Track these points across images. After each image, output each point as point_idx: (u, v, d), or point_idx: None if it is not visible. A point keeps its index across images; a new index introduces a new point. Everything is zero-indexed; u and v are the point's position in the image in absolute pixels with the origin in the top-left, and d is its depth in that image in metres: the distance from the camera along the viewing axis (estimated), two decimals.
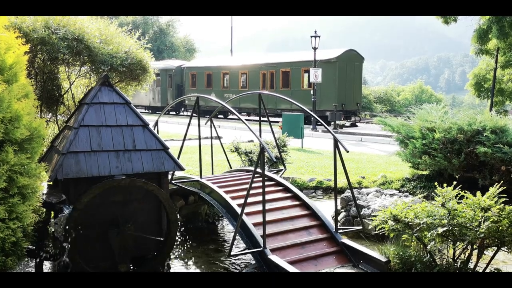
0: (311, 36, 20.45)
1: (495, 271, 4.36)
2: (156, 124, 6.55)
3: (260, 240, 4.47)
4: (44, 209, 3.87)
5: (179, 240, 6.27)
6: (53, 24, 5.64)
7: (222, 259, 5.59)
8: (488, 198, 4.20)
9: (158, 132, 5.97)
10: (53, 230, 3.89)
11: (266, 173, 5.81)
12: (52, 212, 4.01)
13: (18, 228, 3.19)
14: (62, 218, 3.80)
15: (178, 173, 6.08)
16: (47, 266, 4.54)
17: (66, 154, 4.13)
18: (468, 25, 15.78)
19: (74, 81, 6.32)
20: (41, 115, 5.97)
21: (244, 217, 4.65)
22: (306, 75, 23.45)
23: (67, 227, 3.83)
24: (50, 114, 6.37)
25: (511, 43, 15.09)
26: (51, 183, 4.13)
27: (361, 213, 6.12)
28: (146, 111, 31.55)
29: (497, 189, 4.28)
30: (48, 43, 5.46)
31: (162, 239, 4.57)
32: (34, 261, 4.01)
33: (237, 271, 5.25)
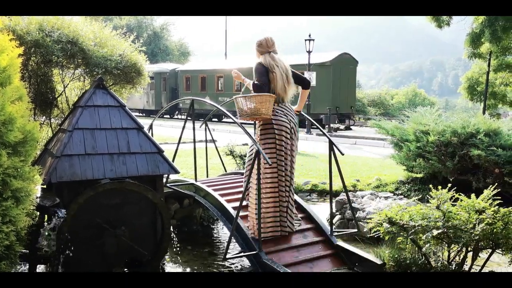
0: (305, 40, 20.52)
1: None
2: (151, 127, 6.53)
3: (256, 243, 4.46)
4: (38, 213, 3.84)
5: (174, 243, 6.25)
6: (47, 27, 5.62)
7: (217, 262, 5.57)
8: (482, 201, 4.21)
9: (152, 135, 5.95)
10: (46, 233, 3.86)
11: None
12: (46, 216, 3.98)
13: (12, 231, 3.15)
14: (57, 222, 3.77)
15: (172, 176, 6.06)
16: (40, 270, 4.50)
17: (60, 157, 4.10)
18: (461, 29, 15.88)
19: (68, 84, 6.30)
20: (34, 118, 5.94)
21: (239, 220, 4.64)
22: None
23: (60, 230, 3.80)
24: (44, 117, 6.33)
25: (503, 46, 15.19)
26: (45, 186, 4.10)
27: (356, 215, 6.12)
28: (141, 114, 31.47)
29: (491, 191, 4.30)
30: (42, 45, 5.43)
31: (156, 242, 4.55)
32: (27, 265, 3.97)
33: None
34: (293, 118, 4.66)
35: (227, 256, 4.53)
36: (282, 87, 4.59)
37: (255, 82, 4.57)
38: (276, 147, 4.55)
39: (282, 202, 4.61)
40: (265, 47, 4.64)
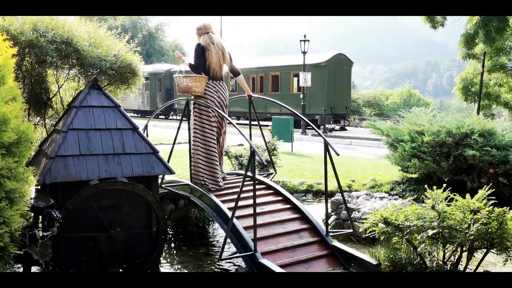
0: (300, 40, 20.56)
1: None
2: (146, 127, 6.50)
3: (251, 244, 4.45)
4: (32, 214, 3.81)
5: (169, 244, 6.23)
6: (41, 27, 5.59)
7: (212, 263, 5.56)
8: (477, 201, 4.22)
9: (147, 136, 5.93)
10: (41, 235, 3.84)
11: (257, 176, 5.80)
12: (40, 217, 3.96)
13: (6, 233, 3.14)
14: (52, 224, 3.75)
15: (168, 177, 6.04)
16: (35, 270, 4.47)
17: (55, 158, 4.08)
18: (455, 29, 15.96)
19: (62, 84, 6.27)
20: (29, 119, 5.90)
21: (234, 220, 4.63)
22: (295, 79, 23.51)
23: (55, 232, 3.78)
24: (38, 117, 6.30)
25: (497, 47, 15.27)
26: (39, 187, 4.07)
27: (352, 216, 6.13)
28: (136, 115, 31.37)
29: (486, 191, 4.31)
30: (36, 46, 5.40)
31: (151, 243, 4.53)
32: (22, 266, 3.95)
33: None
34: (222, 94, 5.57)
35: (223, 257, 4.52)
36: (217, 62, 5.45)
37: (191, 63, 5.52)
38: (211, 116, 5.48)
39: (214, 157, 5.58)
40: (204, 29, 5.46)
